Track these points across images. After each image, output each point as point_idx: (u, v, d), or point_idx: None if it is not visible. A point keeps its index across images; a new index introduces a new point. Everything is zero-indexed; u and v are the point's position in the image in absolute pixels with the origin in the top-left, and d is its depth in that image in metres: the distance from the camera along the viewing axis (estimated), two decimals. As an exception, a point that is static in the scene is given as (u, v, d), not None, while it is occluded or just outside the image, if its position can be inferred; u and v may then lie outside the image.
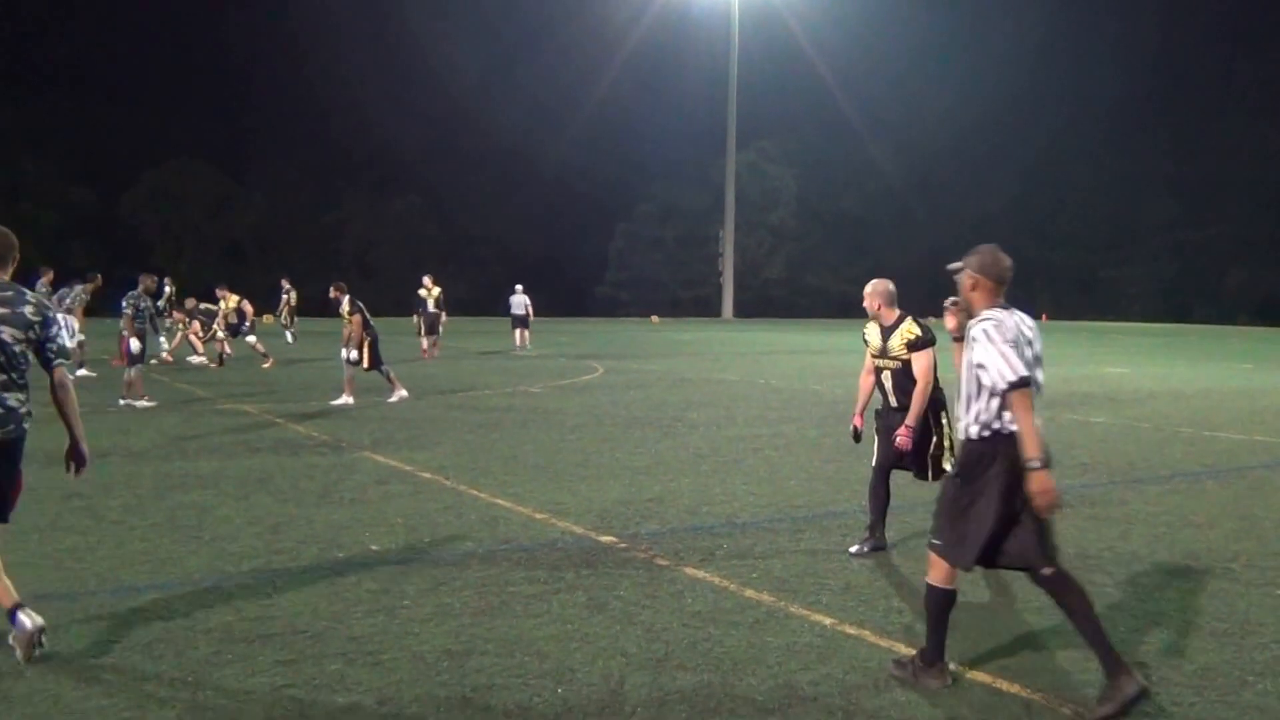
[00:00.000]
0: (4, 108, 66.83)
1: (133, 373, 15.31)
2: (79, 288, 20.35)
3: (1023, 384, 4.48)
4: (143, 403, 14.99)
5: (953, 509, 4.77)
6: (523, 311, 31.92)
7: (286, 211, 77.33)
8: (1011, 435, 4.55)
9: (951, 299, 5.13)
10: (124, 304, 15.55)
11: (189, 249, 74.52)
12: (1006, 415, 4.56)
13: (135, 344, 15.35)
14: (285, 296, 32.03)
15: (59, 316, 19.79)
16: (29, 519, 7.93)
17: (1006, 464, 4.55)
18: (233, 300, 24.08)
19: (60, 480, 9.48)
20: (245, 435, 12.63)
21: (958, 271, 4.99)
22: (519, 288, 32.21)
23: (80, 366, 19.92)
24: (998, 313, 4.72)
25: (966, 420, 4.74)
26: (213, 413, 14.82)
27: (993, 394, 4.58)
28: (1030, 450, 4.44)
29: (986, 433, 4.64)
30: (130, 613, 5.72)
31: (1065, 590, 4.66)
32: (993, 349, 4.56)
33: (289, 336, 30.90)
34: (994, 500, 4.59)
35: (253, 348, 24.04)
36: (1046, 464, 4.44)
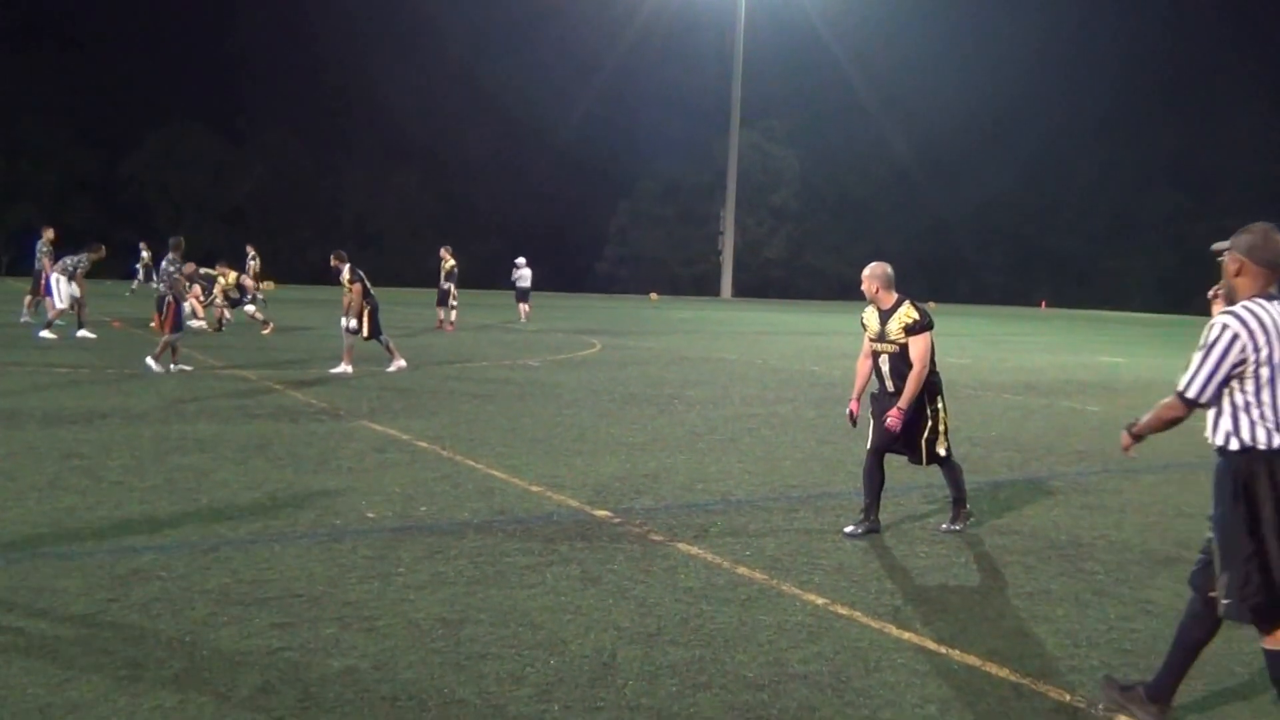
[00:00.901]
0: (6, 67, 66.52)
1: (174, 338, 15.25)
2: (84, 255, 20.51)
3: (1185, 403, 4.09)
4: (157, 366, 14.91)
5: (1234, 550, 4.04)
6: (528, 284, 32.15)
7: (287, 178, 77.07)
8: (1272, 452, 3.98)
9: (1215, 288, 4.45)
10: (172, 269, 15.45)
11: (189, 213, 74.25)
12: (1257, 427, 4.00)
13: (187, 307, 15.31)
14: (251, 264, 31.82)
15: (51, 277, 19.95)
16: (28, 478, 7.98)
17: (1268, 480, 3.98)
18: (231, 276, 24.09)
19: (60, 440, 9.55)
20: (244, 401, 12.65)
21: (1222, 253, 4.26)
22: (521, 260, 32.33)
23: (81, 328, 20.06)
24: (1258, 306, 4.05)
25: (1215, 433, 4.15)
26: (212, 377, 14.84)
27: (1240, 405, 4.03)
28: (1141, 423, 4.33)
29: (1235, 444, 4.05)
30: (129, 572, 5.75)
31: (1203, 619, 4.27)
32: (1201, 351, 4.05)
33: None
34: (1275, 527, 3.97)
35: (251, 316, 24.07)
36: (1139, 438, 4.39)
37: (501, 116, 78.09)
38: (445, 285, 26.87)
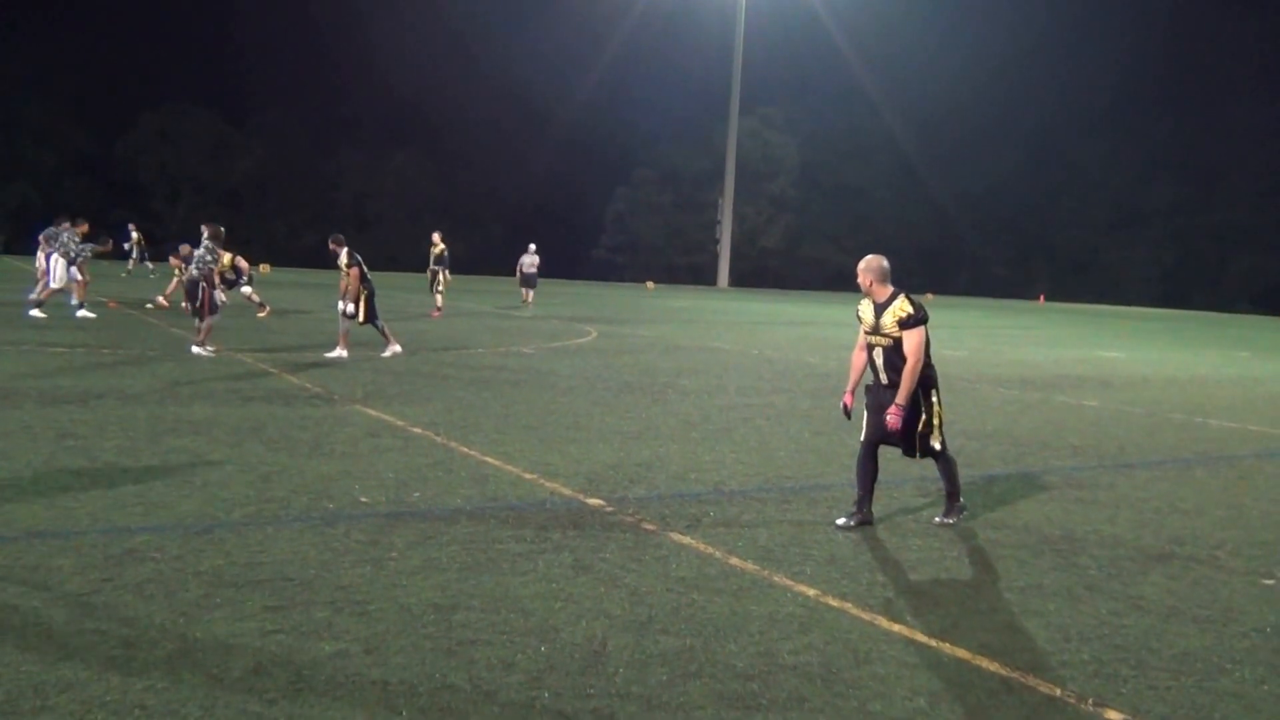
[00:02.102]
0: (4, 46, 66.33)
1: (212, 320, 15.30)
2: (90, 246, 21.15)
3: None
4: (203, 350, 15.01)
5: None
6: (533, 271, 32.68)
7: (285, 160, 76.91)
8: None
9: None
10: (208, 257, 15.57)
11: (185, 194, 74.13)
12: None
13: (219, 295, 15.48)
14: (184, 246, 31.24)
15: (52, 257, 20.13)
16: (23, 457, 7.97)
17: None
18: (226, 258, 24.01)
19: (55, 420, 9.54)
20: (239, 384, 12.64)
21: None
22: (532, 247, 32.92)
23: (80, 308, 20.15)
24: None
25: None
26: (207, 360, 14.81)
27: None
28: None
29: None
30: (123, 553, 5.75)
31: None
32: None
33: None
34: None
35: (248, 298, 24.04)
36: None
37: (501, 101, 78.04)
38: (435, 268, 26.93)
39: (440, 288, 26.89)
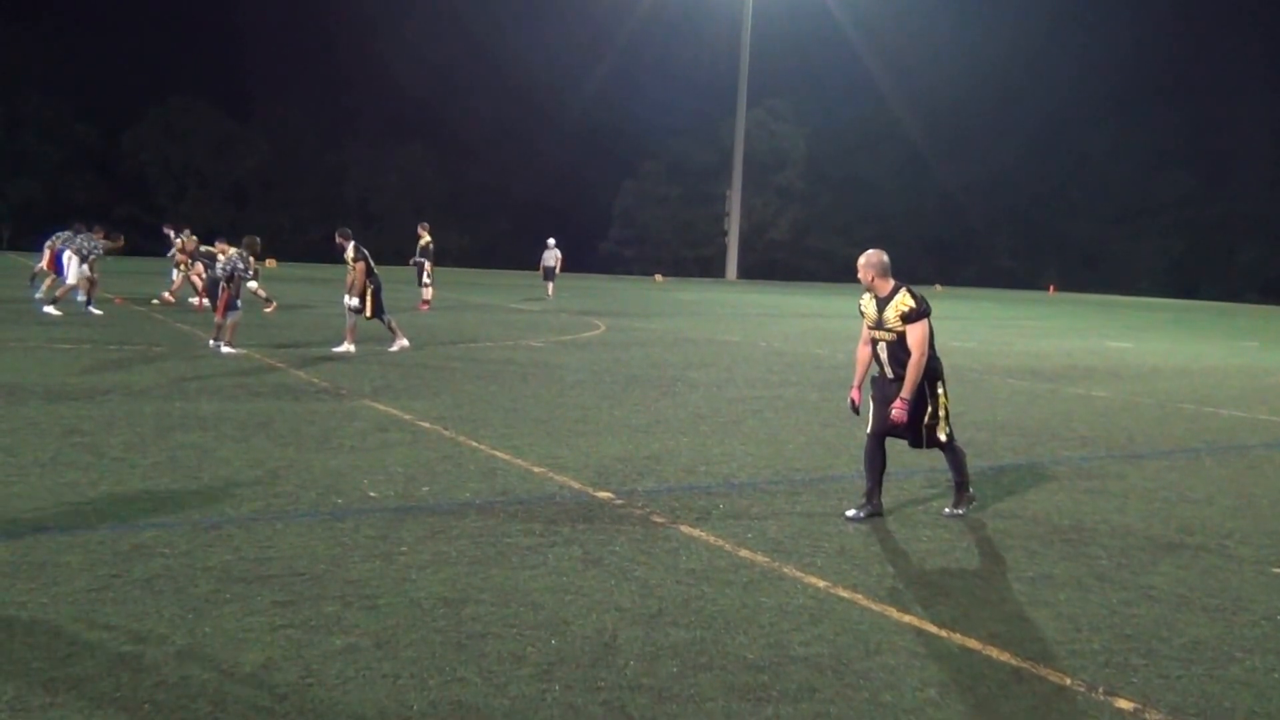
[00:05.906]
0: (8, 41, 66.34)
1: (235, 318, 15.45)
2: (102, 243, 21.29)
3: None
4: (228, 349, 15.07)
5: None
6: (552, 263, 33.12)
7: (290, 154, 76.84)
8: None
9: None
10: (240, 264, 15.70)
11: (191, 189, 74.17)
12: None
13: (237, 302, 15.63)
14: (179, 240, 30.44)
15: (65, 254, 20.40)
16: (30, 453, 7.99)
17: None
18: (230, 252, 23.95)
19: (62, 417, 9.56)
20: (246, 379, 12.65)
21: None
22: (551, 241, 33.27)
23: (88, 304, 20.20)
24: None
25: None
26: (214, 355, 14.83)
27: None
28: None
29: None
30: (131, 549, 5.75)
31: None
32: None
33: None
34: None
35: (254, 293, 24.03)
36: None
37: (508, 94, 77.93)
38: (420, 260, 26.64)
39: (427, 280, 26.67)
